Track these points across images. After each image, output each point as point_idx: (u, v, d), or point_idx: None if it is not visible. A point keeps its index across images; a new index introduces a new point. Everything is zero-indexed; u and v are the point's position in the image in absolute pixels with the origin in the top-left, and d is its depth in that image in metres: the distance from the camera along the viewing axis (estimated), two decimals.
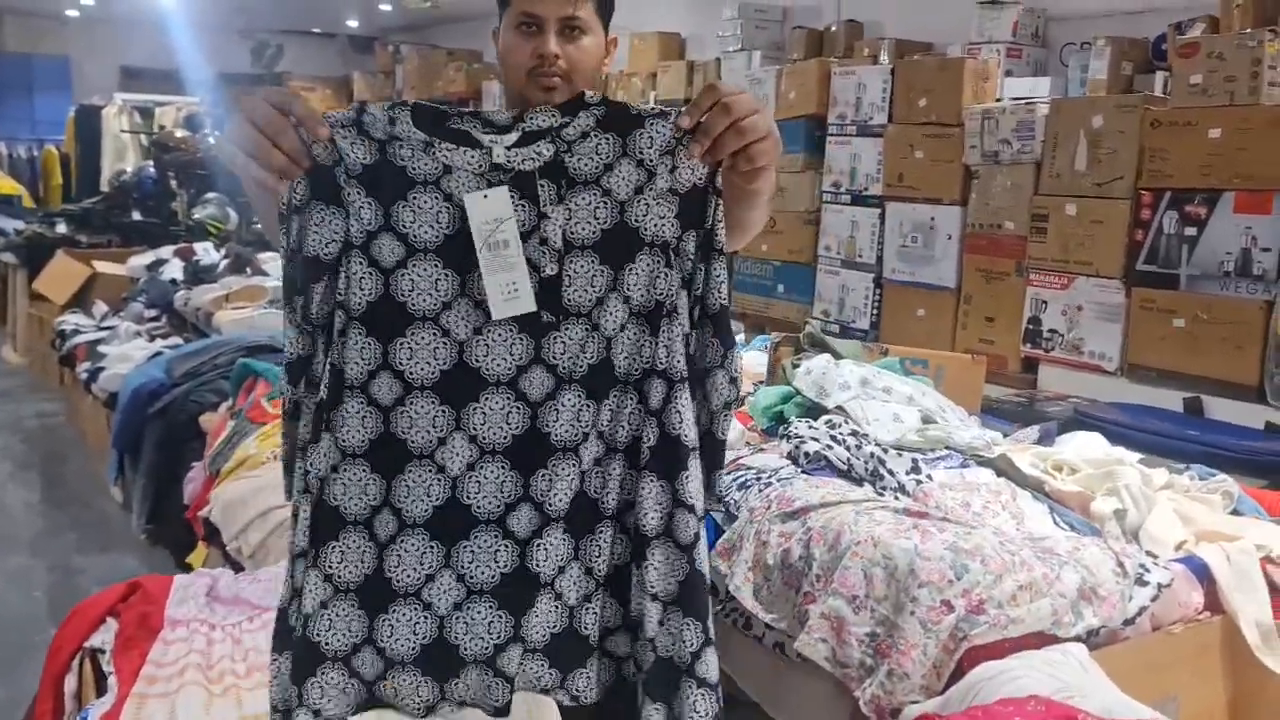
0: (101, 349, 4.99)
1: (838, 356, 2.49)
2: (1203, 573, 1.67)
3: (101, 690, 1.64)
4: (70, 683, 1.70)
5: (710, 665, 1.25)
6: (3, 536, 4.32)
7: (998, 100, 4.03)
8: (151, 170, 7.51)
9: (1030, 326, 3.73)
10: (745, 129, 1.23)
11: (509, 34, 1.58)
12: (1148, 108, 3.36)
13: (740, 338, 3.69)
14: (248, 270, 5.53)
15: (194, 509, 3.01)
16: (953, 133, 4.01)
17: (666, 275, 1.25)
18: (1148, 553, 1.68)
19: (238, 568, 2.30)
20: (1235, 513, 1.94)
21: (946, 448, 2.05)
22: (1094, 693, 1.29)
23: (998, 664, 1.37)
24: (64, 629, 1.77)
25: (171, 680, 1.57)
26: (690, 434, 1.26)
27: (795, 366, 2.38)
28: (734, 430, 2.26)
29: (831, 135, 4.58)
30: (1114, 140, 3.46)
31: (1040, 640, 1.48)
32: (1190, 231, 3.25)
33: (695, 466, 1.27)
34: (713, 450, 1.32)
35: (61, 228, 7.20)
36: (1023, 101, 3.84)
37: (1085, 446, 2.11)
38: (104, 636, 1.74)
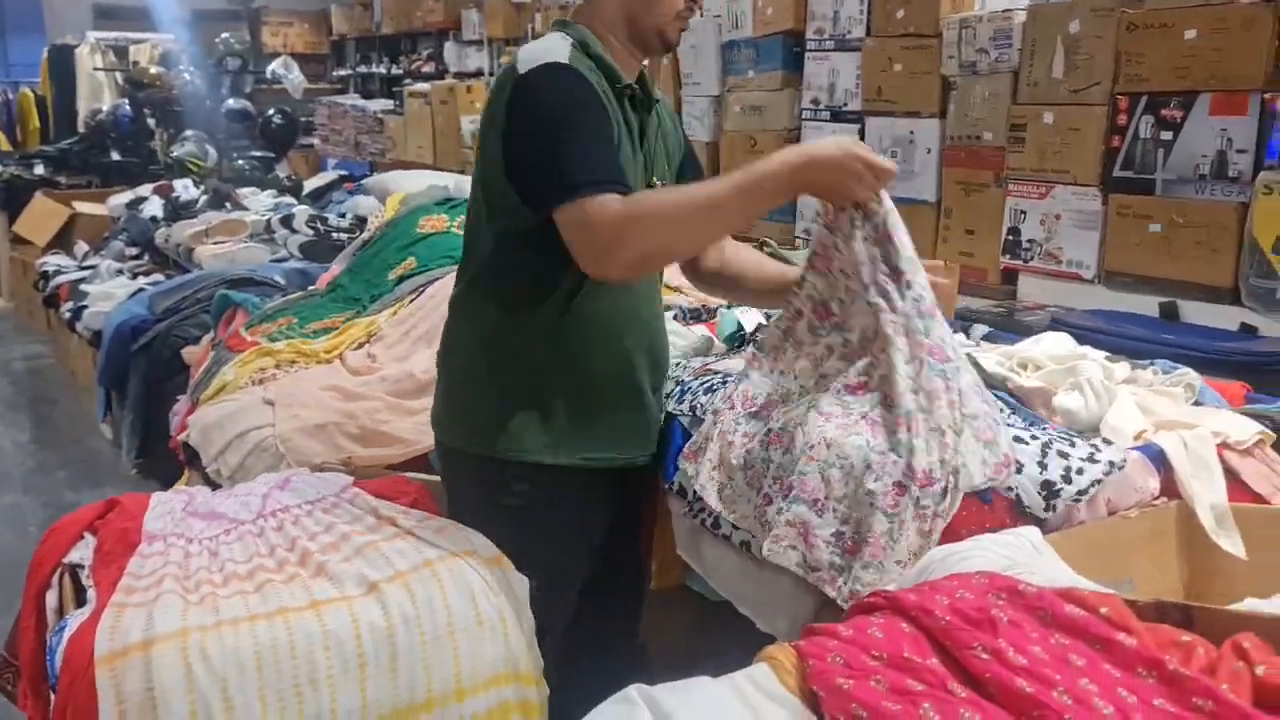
0: (84, 288, 4.99)
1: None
2: (1159, 459, 1.69)
3: (81, 603, 1.67)
4: (51, 598, 1.73)
5: None
6: None
7: (975, 9, 3.97)
8: (128, 109, 7.44)
9: (1009, 238, 3.72)
10: None
11: None
12: (1124, 10, 3.32)
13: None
14: (227, 205, 5.51)
15: (175, 437, 3.04)
16: (930, 44, 3.96)
17: None
18: (1104, 439, 1.71)
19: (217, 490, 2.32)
20: (1197, 404, 1.96)
21: None
22: (1044, 570, 1.32)
23: (950, 546, 1.40)
24: (43, 546, 1.80)
25: (149, 590, 1.60)
26: None
27: None
28: (701, 338, 2.28)
29: (810, 51, 4.53)
30: (1090, 45, 3.42)
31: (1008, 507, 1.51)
32: (1166, 136, 3.23)
33: None
34: None
35: (40, 169, 7.16)
36: (999, 10, 3.79)
37: (1052, 345, 2.13)
38: (83, 552, 1.77)
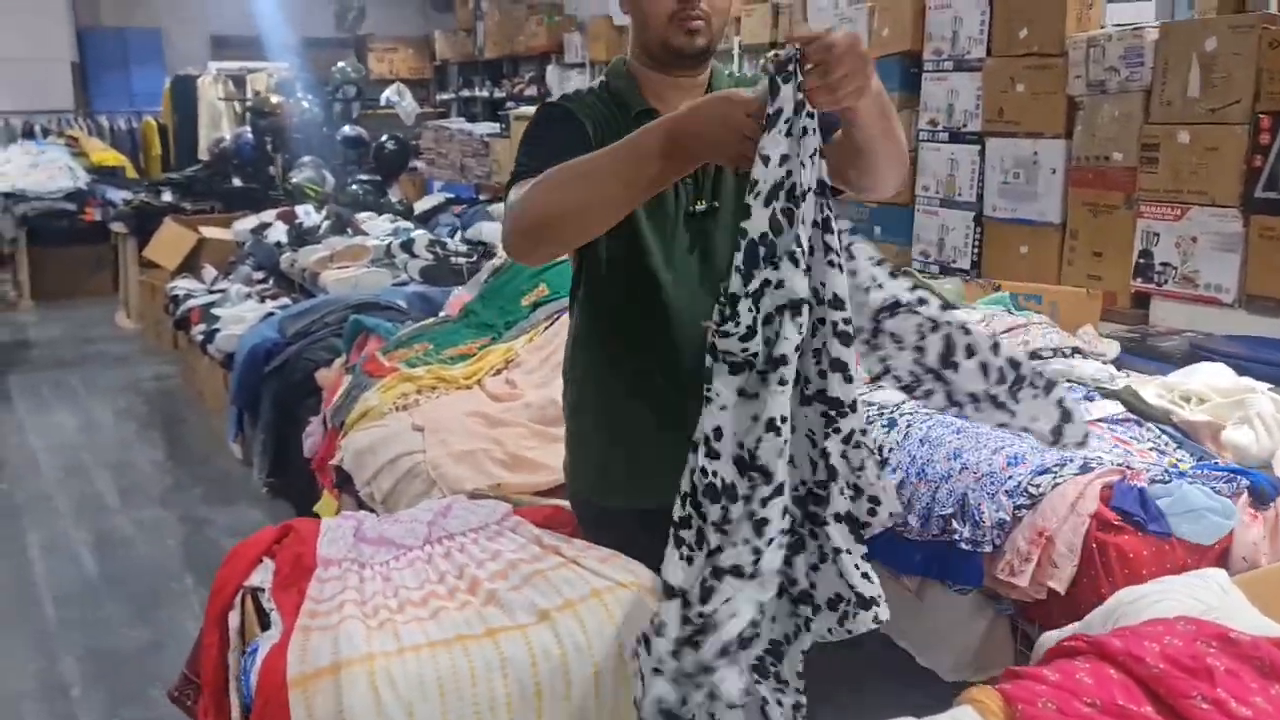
0: (215, 311, 5.18)
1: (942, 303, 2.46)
2: None
3: (264, 625, 1.74)
4: (234, 619, 1.81)
5: None
6: (134, 491, 4.56)
7: (1102, 27, 3.90)
8: (249, 136, 7.71)
9: (1141, 260, 3.64)
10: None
11: None
12: (1265, 27, 3.23)
13: None
14: (348, 231, 5.68)
15: (319, 460, 3.14)
16: (1055, 63, 3.90)
17: None
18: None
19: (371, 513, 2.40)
20: None
21: (1069, 381, 2.04)
22: (1237, 615, 1.30)
23: (1137, 589, 1.38)
24: (224, 569, 1.88)
25: (331, 614, 1.66)
26: None
27: None
28: None
29: (927, 72, 4.49)
30: (1229, 63, 3.33)
31: None
32: None
33: None
34: None
35: (167, 196, 7.46)
36: (1129, 27, 3.72)
37: (1213, 376, 2.08)
38: (262, 576, 1.84)
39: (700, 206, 1.67)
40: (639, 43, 1.68)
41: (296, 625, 1.62)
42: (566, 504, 1.99)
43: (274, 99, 7.72)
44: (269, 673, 1.55)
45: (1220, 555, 1.53)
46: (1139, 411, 1.91)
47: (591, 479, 1.82)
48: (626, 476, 1.76)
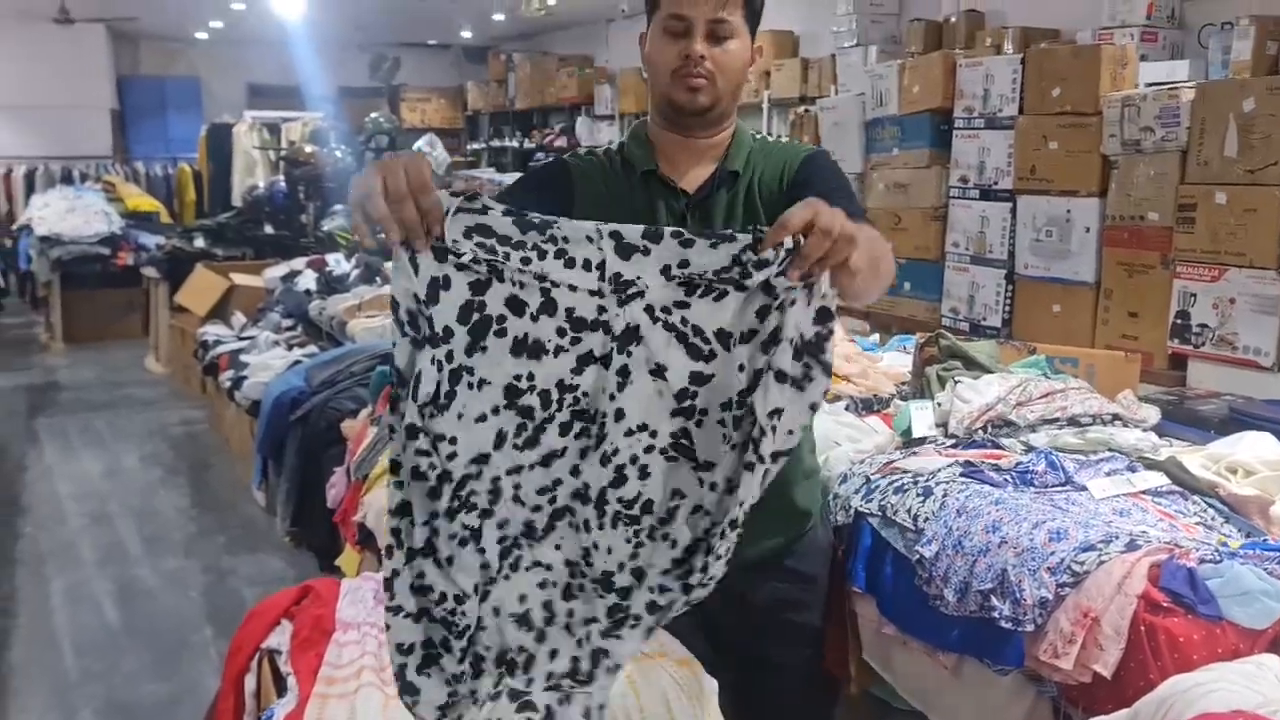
0: (243, 358, 5.19)
1: (976, 367, 2.41)
2: None
3: (280, 690, 1.70)
4: (250, 682, 1.78)
5: None
6: (158, 539, 4.54)
7: (1136, 87, 3.88)
8: (283, 184, 7.80)
9: (1178, 321, 3.58)
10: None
11: (656, 37, 1.60)
12: None
13: (874, 338, 3.64)
14: (377, 280, 5.69)
15: (343, 514, 3.11)
16: (1090, 122, 3.88)
17: None
18: None
19: None
20: None
21: (1109, 450, 1.98)
22: None
23: (1190, 676, 1.31)
24: (242, 631, 1.85)
25: (349, 681, 1.62)
26: None
27: (940, 380, 2.33)
28: (884, 434, 2.23)
29: (958, 129, 4.48)
30: (1267, 124, 3.30)
31: None
32: None
33: None
34: None
35: (199, 242, 7.52)
36: (1164, 87, 3.69)
37: (1258, 446, 2.02)
38: (280, 638, 1.81)
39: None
40: (653, 100, 1.67)
41: (313, 692, 1.58)
42: None
43: (308, 149, 7.81)
44: None
45: (1273, 641, 1.47)
46: (1184, 484, 1.85)
47: None
48: None
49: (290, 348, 5.25)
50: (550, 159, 1.74)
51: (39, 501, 5.00)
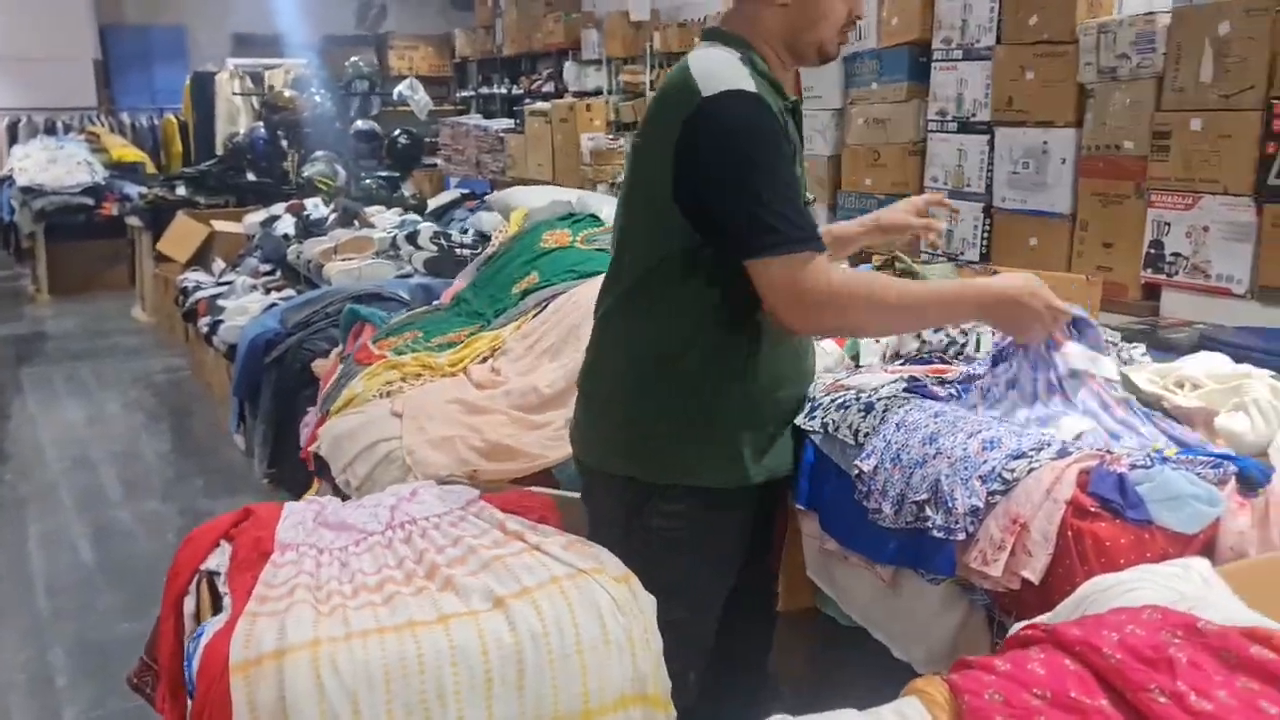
0: (220, 303, 5.17)
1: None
2: None
3: (218, 609, 1.70)
4: (189, 603, 1.77)
5: None
6: (137, 484, 4.55)
7: (1114, 14, 3.81)
8: (262, 131, 7.72)
9: (1151, 251, 3.55)
10: None
11: None
12: None
13: (843, 265, 3.59)
14: (355, 223, 5.65)
15: (306, 447, 3.11)
16: (1066, 50, 3.82)
17: None
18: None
19: (346, 500, 2.35)
20: None
21: None
22: (1219, 606, 1.22)
23: (1112, 576, 1.30)
24: (181, 552, 1.84)
25: (281, 600, 1.61)
26: None
27: None
28: (833, 354, 2.21)
29: (937, 61, 4.41)
30: (1243, 48, 3.24)
31: None
32: None
33: None
34: None
35: (181, 190, 7.47)
36: (1142, 14, 3.62)
37: (1210, 362, 1.99)
38: (219, 559, 1.80)
39: (810, 197, 1.78)
40: (789, 35, 1.71)
41: (245, 610, 1.57)
42: (535, 490, 1.94)
43: (287, 94, 7.72)
44: (211, 658, 1.50)
45: (1205, 545, 1.45)
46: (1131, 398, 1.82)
47: (708, 461, 1.71)
48: (761, 451, 1.75)
49: (268, 291, 5.23)
50: (763, 115, 1.60)
51: (21, 448, 5.00)
